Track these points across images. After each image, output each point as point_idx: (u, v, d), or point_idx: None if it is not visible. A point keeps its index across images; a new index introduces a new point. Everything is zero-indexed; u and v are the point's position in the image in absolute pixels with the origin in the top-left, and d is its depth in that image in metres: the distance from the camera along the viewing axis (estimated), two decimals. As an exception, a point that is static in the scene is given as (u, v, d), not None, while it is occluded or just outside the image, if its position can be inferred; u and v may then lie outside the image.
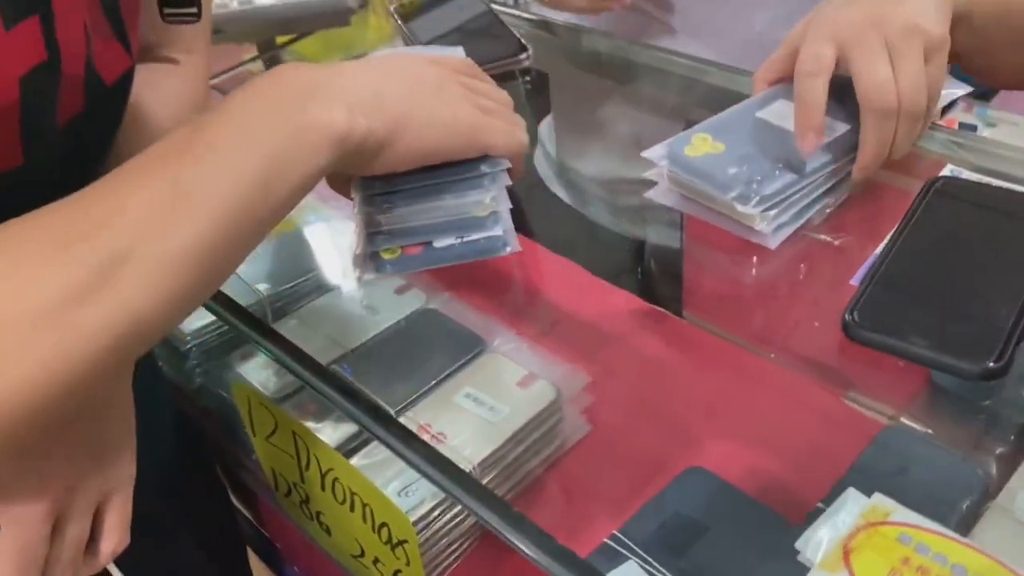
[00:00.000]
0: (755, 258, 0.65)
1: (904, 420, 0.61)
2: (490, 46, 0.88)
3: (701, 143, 0.65)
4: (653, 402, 0.71)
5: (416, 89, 0.52)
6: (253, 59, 1.08)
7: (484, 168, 0.52)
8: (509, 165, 0.54)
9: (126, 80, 0.58)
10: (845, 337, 0.52)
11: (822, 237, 0.65)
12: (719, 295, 0.75)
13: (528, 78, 0.88)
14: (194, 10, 0.61)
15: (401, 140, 0.50)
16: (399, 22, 0.94)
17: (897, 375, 0.56)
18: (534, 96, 0.96)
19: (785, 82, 0.66)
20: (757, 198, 0.60)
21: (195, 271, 0.43)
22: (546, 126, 1.08)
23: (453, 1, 0.94)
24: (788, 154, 0.62)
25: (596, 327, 0.77)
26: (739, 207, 0.60)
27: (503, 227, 0.52)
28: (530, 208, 0.99)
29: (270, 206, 0.45)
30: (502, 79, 0.82)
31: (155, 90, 0.64)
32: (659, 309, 0.77)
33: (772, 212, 0.60)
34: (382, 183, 0.52)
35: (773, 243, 0.60)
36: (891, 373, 0.56)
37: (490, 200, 0.52)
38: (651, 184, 0.66)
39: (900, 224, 0.60)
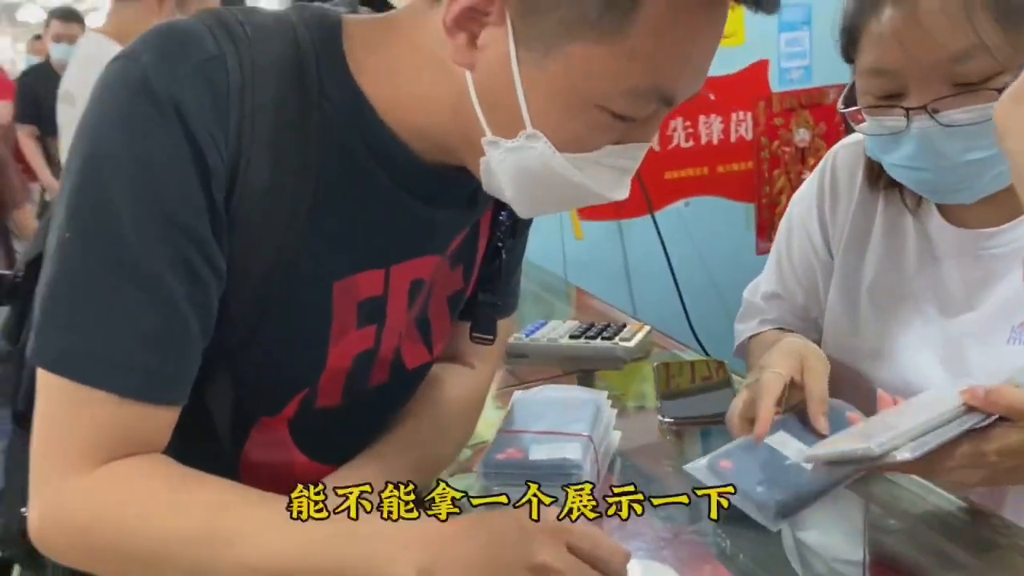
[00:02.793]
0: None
1: None
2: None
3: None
4: None
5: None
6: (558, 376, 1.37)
7: None
8: None
9: (423, 369, 0.88)
10: None
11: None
12: None
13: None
14: (491, 337, 0.90)
15: None
16: (657, 392, 1.20)
17: None
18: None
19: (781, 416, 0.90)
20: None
21: None
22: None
23: (715, 394, 1.17)
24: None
25: None
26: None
27: None
28: None
29: None
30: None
31: (453, 376, 0.93)
32: None
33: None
34: None
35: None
36: None
37: None
38: None
39: None
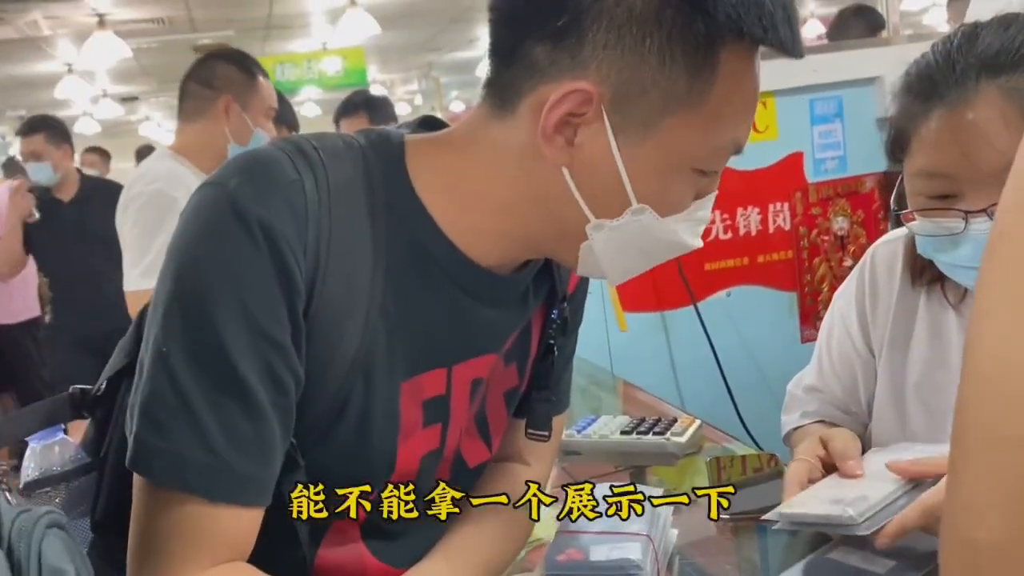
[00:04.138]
0: None
1: None
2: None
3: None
4: None
5: None
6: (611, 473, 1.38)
7: None
8: None
9: (484, 466, 0.91)
10: None
11: None
12: None
13: None
14: (546, 434, 0.93)
15: None
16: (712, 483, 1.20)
17: None
18: None
19: None
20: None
21: None
22: None
23: (768, 485, 1.17)
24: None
25: None
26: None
27: None
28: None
29: None
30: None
31: (505, 475, 0.96)
32: None
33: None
34: None
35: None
36: None
37: None
38: None
39: None
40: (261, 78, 2.14)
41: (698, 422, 1.42)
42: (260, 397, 0.70)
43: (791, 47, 0.71)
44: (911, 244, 1.09)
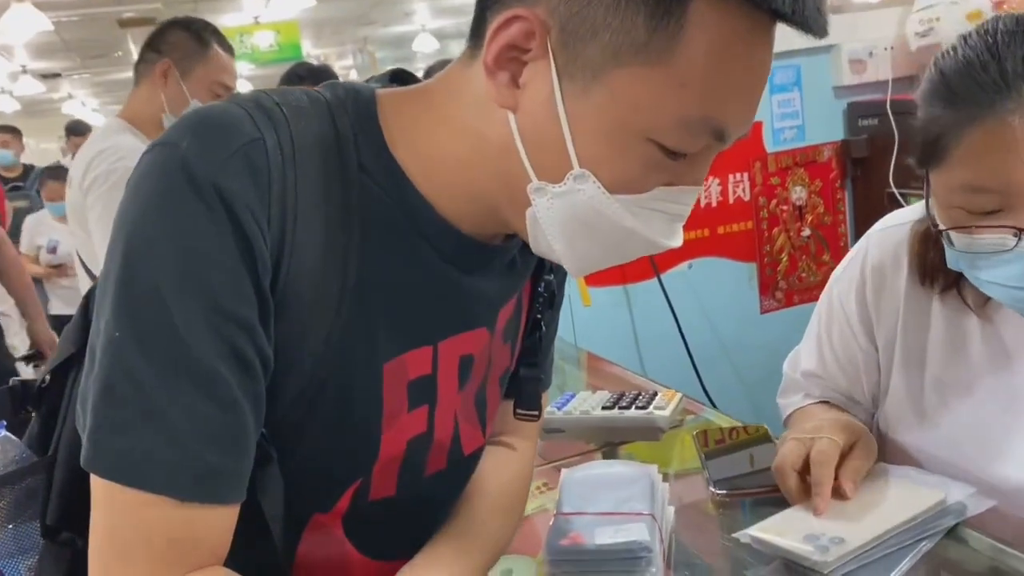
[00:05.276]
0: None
1: None
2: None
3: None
4: None
5: None
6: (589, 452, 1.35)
7: None
8: None
9: (479, 453, 0.85)
10: None
11: None
12: None
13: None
14: (536, 413, 0.88)
15: None
16: (700, 456, 1.18)
17: None
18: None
19: None
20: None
21: None
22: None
23: (758, 448, 1.16)
24: None
25: None
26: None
27: None
28: None
29: None
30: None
31: (494, 460, 0.90)
32: None
33: None
34: None
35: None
36: None
37: None
38: None
39: None
40: (217, 50, 2.00)
41: (679, 395, 1.39)
42: (228, 383, 0.62)
43: (807, 22, 0.61)
44: (919, 242, 1.03)
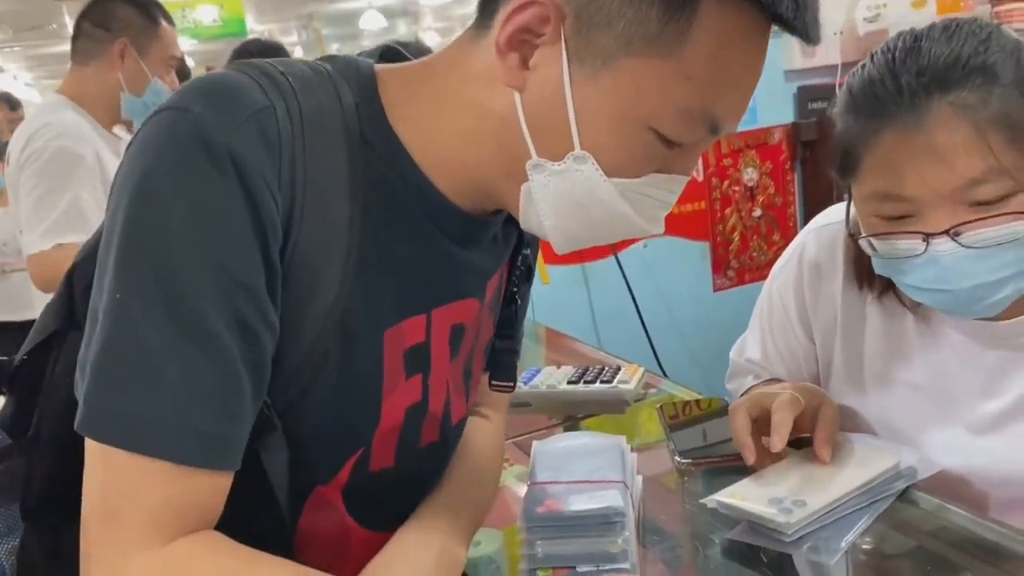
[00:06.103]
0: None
1: None
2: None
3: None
4: None
5: None
6: (554, 426, 1.38)
7: None
8: None
9: (463, 423, 0.88)
10: None
11: None
12: None
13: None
14: (511, 384, 0.91)
15: None
16: (665, 428, 1.22)
17: None
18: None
19: None
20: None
21: None
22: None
23: (721, 420, 1.20)
24: None
25: None
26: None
27: None
28: None
29: None
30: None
31: (474, 429, 0.92)
32: None
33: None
34: None
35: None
36: None
37: None
38: None
39: None
40: (164, 24, 1.99)
41: (642, 369, 1.43)
42: (227, 348, 0.62)
43: (806, 30, 0.64)
44: (854, 246, 1.05)
